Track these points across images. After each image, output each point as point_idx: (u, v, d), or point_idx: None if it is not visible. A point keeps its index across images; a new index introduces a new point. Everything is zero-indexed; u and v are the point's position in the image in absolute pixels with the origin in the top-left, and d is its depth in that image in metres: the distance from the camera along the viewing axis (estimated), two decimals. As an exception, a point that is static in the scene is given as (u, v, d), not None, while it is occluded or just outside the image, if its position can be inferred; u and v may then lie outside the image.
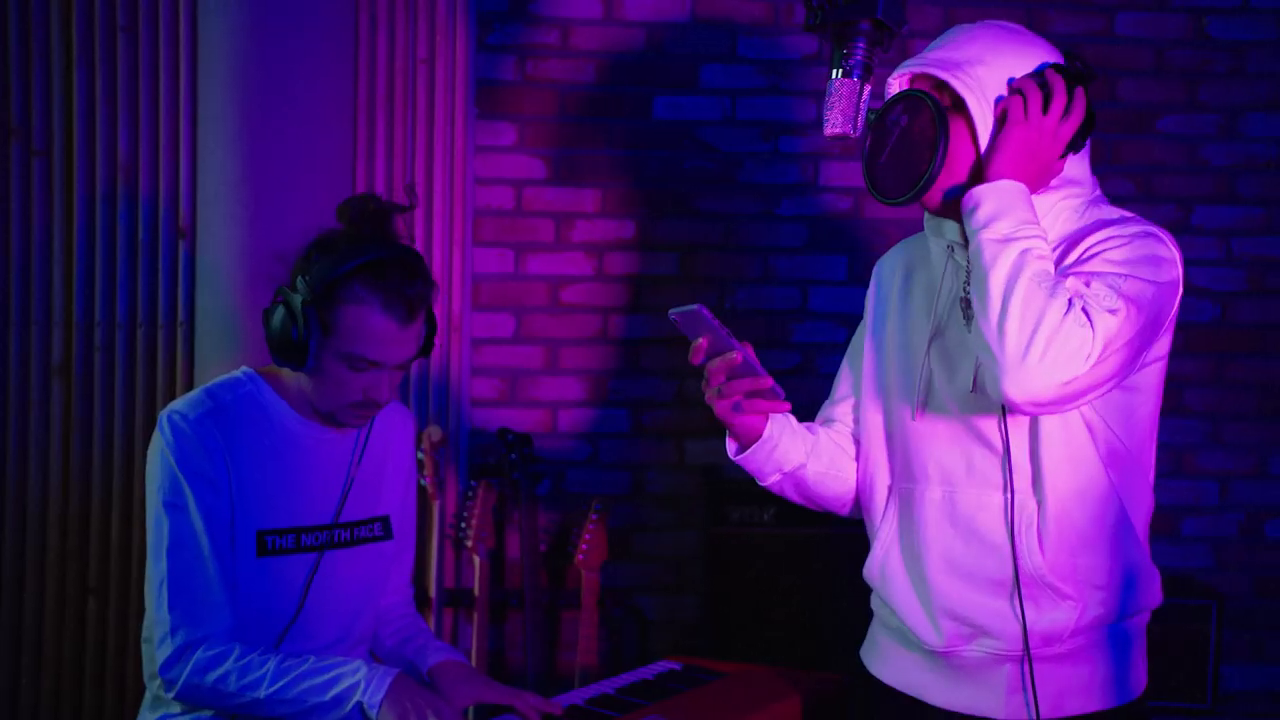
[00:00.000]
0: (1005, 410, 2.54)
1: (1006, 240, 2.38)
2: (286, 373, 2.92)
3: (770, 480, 2.86)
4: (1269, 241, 5.16)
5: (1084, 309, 2.32)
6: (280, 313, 2.77)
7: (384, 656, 3.21)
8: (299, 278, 2.75)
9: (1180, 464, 5.12)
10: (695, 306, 2.53)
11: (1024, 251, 2.36)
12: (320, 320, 2.73)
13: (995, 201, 2.43)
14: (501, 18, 5.03)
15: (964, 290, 2.59)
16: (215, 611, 2.76)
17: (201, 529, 2.75)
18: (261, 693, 2.68)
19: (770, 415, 2.76)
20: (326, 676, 2.70)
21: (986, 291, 2.37)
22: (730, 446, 2.82)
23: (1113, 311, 2.34)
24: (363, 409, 2.86)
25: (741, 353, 2.60)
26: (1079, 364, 2.29)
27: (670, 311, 2.57)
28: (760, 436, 2.76)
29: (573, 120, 5.06)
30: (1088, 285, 2.39)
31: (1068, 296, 2.33)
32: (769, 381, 2.64)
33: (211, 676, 2.70)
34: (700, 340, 2.60)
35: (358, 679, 2.69)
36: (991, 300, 2.36)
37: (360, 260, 2.73)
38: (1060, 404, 2.37)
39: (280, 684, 2.68)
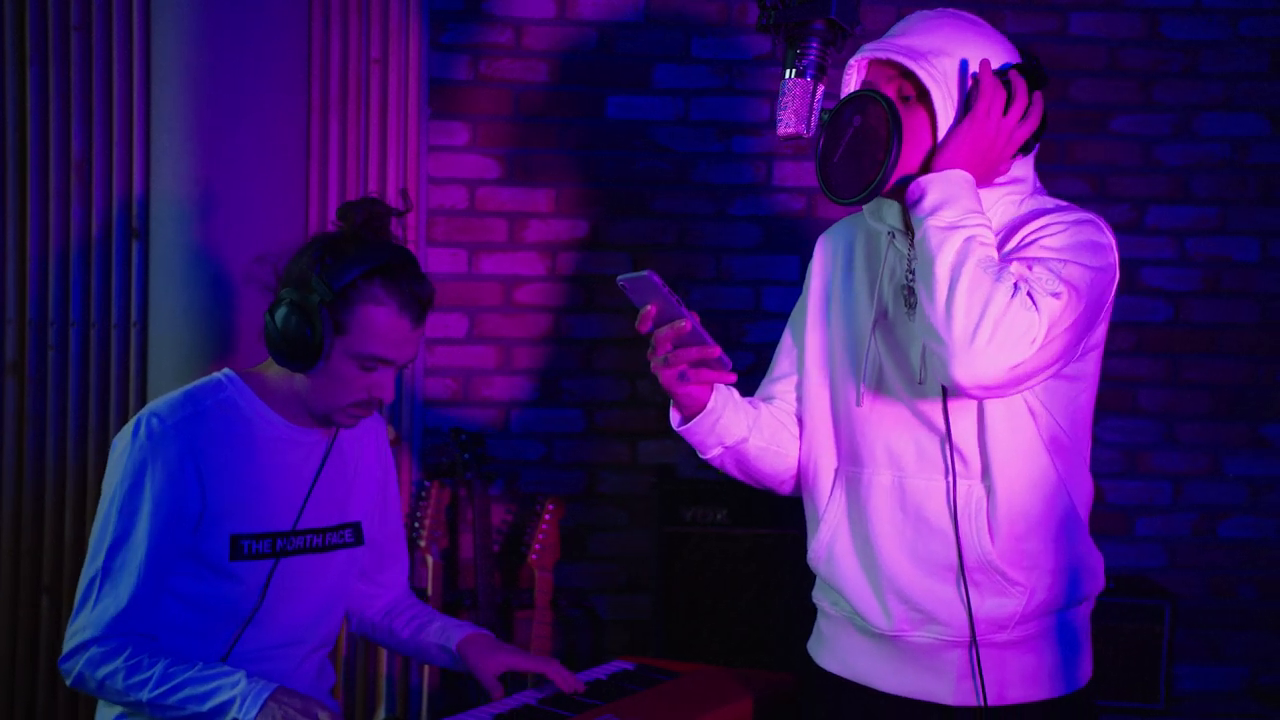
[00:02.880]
0: (945, 395, 2.65)
1: (953, 227, 2.47)
2: (272, 374, 3.03)
3: (712, 454, 2.91)
4: (1223, 241, 5.31)
5: (1029, 293, 2.42)
6: (286, 313, 2.85)
7: (399, 646, 3.37)
8: (313, 278, 2.83)
9: (1134, 464, 5.27)
10: (645, 273, 2.60)
11: (969, 239, 2.45)
12: (335, 320, 2.83)
13: (942, 190, 2.52)
14: (454, 17, 5.18)
15: (906, 279, 2.68)
16: (127, 621, 2.84)
17: (145, 538, 2.85)
18: (145, 695, 2.77)
19: (715, 388, 2.81)
20: (207, 687, 2.76)
21: (933, 276, 2.46)
22: (674, 417, 2.87)
23: (1055, 295, 2.43)
24: (364, 408, 2.98)
25: (690, 321, 2.65)
26: (1025, 347, 2.39)
27: (619, 278, 2.64)
28: (704, 408, 2.81)
29: (526, 120, 5.22)
30: (1030, 270, 2.48)
31: (1013, 280, 2.42)
32: (716, 350, 2.70)
33: (101, 672, 2.80)
34: (649, 307, 2.65)
35: (235, 693, 2.74)
36: (938, 285, 2.45)
37: (377, 262, 2.85)
38: (1008, 387, 2.47)
39: (163, 689, 2.76)
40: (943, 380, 2.51)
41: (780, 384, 3.05)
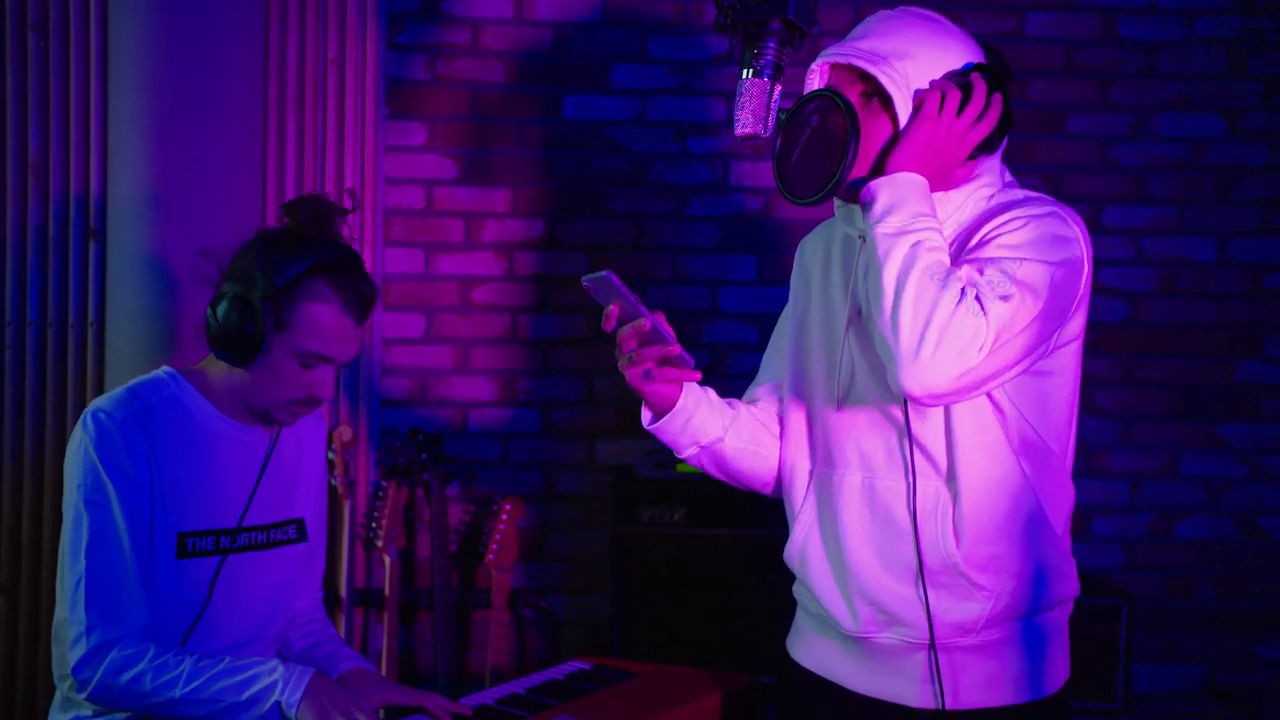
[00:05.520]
0: (906, 400, 2.67)
1: (899, 233, 2.52)
2: (214, 371, 3.06)
3: (687, 453, 2.98)
4: (1180, 241, 5.47)
5: (977, 297, 2.46)
6: (228, 307, 2.89)
7: (292, 659, 3.33)
8: (256, 273, 2.87)
9: (1091, 464, 5.40)
10: (604, 273, 2.66)
11: (916, 244, 2.51)
12: (276, 316, 2.87)
13: (891, 194, 2.57)
14: (412, 17, 5.34)
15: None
16: (131, 611, 2.86)
17: (123, 528, 2.86)
18: (177, 692, 2.80)
19: (686, 387, 2.88)
20: (243, 676, 2.82)
21: (880, 285, 2.52)
22: (645, 416, 2.93)
23: (1005, 298, 2.47)
24: (304, 406, 3.02)
25: (650, 320, 2.72)
26: (972, 355, 2.43)
27: (583, 279, 2.70)
28: (674, 406, 2.89)
29: (483, 120, 5.38)
30: (981, 273, 2.52)
31: (960, 286, 2.46)
32: (677, 348, 2.75)
33: (126, 676, 2.81)
34: (611, 307, 2.72)
35: (275, 678, 2.82)
36: (885, 295, 2.50)
37: (321, 259, 2.90)
38: (961, 394, 2.52)
39: (196, 684, 2.80)
40: (895, 389, 2.54)
41: (765, 386, 3.14)
